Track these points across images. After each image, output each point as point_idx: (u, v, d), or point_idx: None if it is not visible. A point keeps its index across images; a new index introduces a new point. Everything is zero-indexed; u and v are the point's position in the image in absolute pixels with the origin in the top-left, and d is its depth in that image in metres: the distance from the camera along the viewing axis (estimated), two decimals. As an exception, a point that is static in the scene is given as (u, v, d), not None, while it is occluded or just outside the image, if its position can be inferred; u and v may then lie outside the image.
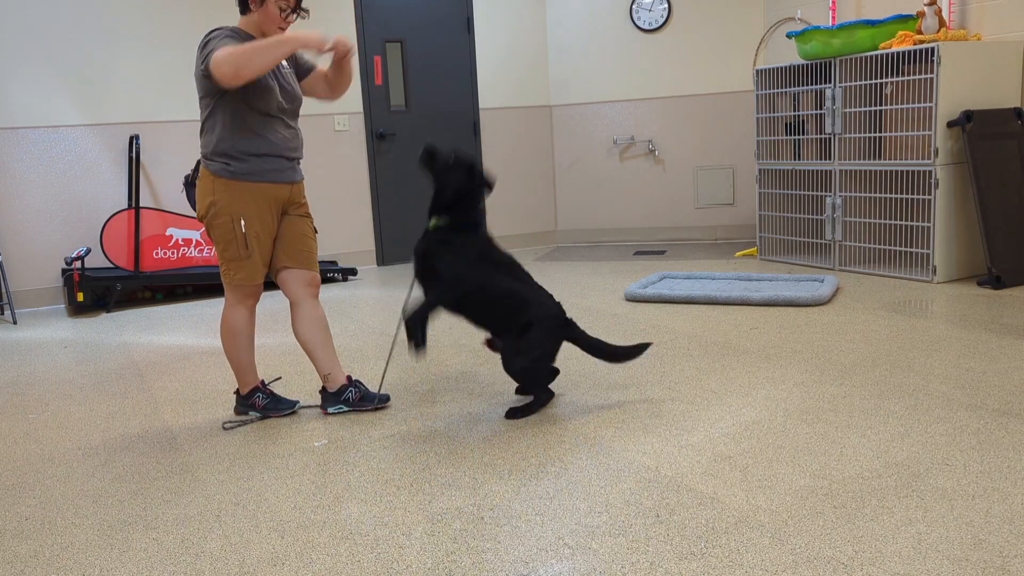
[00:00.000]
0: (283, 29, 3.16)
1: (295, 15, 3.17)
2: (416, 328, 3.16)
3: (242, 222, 3.16)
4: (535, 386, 3.33)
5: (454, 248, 3.23)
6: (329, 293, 6.07)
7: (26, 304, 6.05)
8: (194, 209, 3.34)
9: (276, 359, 4.32)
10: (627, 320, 4.68)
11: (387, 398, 3.48)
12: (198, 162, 3.32)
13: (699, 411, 3.18)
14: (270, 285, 6.15)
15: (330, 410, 3.41)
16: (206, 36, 3.08)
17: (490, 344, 3.46)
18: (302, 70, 3.38)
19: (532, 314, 3.24)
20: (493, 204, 7.63)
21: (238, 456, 3.02)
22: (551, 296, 3.34)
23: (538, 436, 3.03)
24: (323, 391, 3.42)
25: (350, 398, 3.39)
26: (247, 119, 3.12)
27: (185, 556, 2.30)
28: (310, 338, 3.33)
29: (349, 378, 3.43)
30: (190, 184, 3.37)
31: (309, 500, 2.61)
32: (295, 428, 3.28)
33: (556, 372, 3.44)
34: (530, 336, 3.21)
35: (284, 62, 3.32)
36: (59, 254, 6.12)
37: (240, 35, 3.13)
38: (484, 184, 3.30)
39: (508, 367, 3.24)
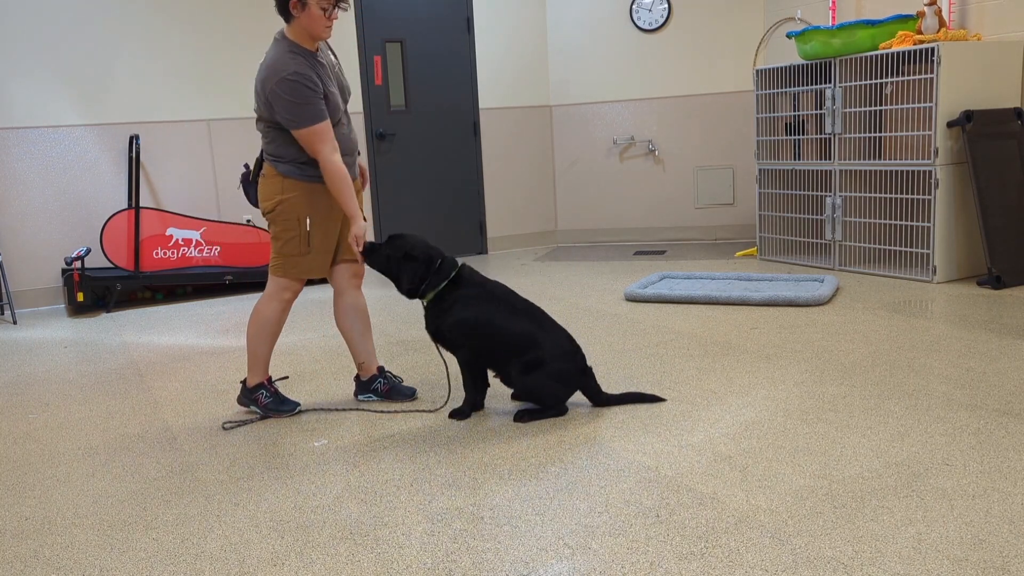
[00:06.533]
0: (329, 27, 3.17)
1: (337, 10, 3.18)
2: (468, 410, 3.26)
3: (307, 221, 3.23)
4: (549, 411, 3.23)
5: (463, 301, 3.19)
6: (329, 292, 6.07)
7: (26, 304, 6.05)
8: (253, 205, 3.38)
9: (284, 358, 4.32)
10: (627, 320, 4.68)
11: (414, 391, 3.53)
12: (258, 160, 3.32)
13: (699, 411, 3.18)
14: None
15: (360, 398, 3.52)
16: (286, 77, 3.05)
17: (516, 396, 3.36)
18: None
19: (543, 353, 3.14)
20: (494, 204, 7.63)
21: (238, 456, 3.02)
22: (570, 338, 3.22)
23: (538, 436, 3.03)
24: (357, 379, 3.54)
25: (378, 388, 3.51)
26: None
27: (185, 556, 2.30)
28: (350, 326, 3.45)
29: (380, 369, 3.53)
30: (249, 182, 3.35)
31: (309, 500, 2.61)
32: (295, 428, 3.28)
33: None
34: (537, 376, 3.14)
35: (333, 57, 3.35)
36: (59, 254, 6.12)
37: (301, 56, 3.12)
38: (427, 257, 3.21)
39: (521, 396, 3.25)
